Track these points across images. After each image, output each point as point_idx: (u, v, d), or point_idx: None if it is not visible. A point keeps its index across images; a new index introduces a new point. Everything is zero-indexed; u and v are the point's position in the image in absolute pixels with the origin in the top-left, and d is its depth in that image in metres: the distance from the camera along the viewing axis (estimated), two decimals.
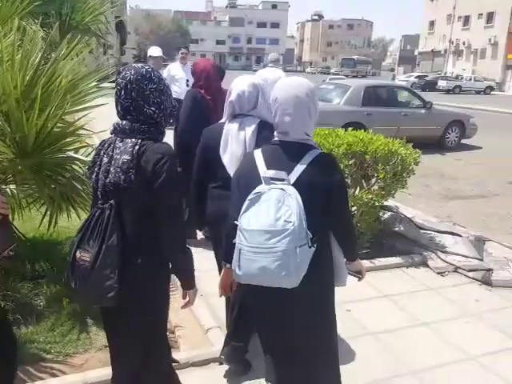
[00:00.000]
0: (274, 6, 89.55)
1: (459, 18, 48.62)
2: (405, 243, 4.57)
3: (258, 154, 1.86)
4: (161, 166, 1.68)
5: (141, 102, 1.73)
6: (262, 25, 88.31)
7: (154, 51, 7.23)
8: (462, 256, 4.25)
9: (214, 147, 2.44)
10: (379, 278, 3.97)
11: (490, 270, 3.97)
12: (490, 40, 43.16)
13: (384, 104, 10.26)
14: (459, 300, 3.62)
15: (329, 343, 1.95)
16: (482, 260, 4.21)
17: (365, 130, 9.51)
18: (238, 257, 1.73)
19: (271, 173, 1.76)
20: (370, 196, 4.19)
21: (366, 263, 4.12)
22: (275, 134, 1.88)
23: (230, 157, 2.38)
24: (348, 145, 4.16)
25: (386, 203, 4.66)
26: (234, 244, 1.77)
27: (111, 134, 1.81)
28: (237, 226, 1.76)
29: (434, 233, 4.74)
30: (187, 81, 7.51)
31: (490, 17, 44.09)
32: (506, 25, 41.72)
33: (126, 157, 1.68)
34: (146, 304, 1.81)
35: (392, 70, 77.46)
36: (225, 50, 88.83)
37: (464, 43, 47.20)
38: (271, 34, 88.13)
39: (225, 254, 1.97)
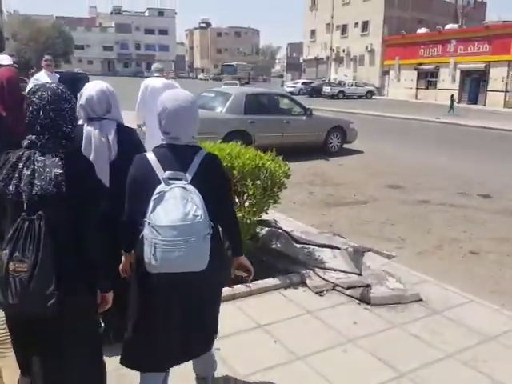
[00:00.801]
0: (161, 13, 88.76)
1: (337, 27, 51.70)
2: (284, 261, 4.28)
3: (152, 158, 2.04)
4: (89, 176, 1.87)
5: (60, 122, 1.83)
6: (149, 31, 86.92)
7: (4, 59, 6.23)
8: (341, 271, 4.05)
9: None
10: (255, 304, 3.62)
11: (368, 285, 3.80)
12: (367, 47, 46.46)
13: (266, 112, 10.18)
14: (337, 324, 3.37)
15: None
16: (360, 274, 4.05)
17: (250, 138, 9.65)
18: (153, 250, 1.88)
19: (170, 173, 1.95)
20: (241, 214, 3.84)
21: (241, 288, 3.76)
22: (164, 138, 2.07)
23: (95, 157, 2.50)
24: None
25: (266, 216, 4.35)
26: (133, 237, 2.08)
27: (27, 148, 1.81)
28: (134, 223, 2.03)
29: (312, 247, 4.52)
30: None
31: (365, 26, 47.50)
32: (379, 33, 45.21)
33: (58, 170, 1.75)
34: (87, 310, 1.93)
35: (281, 76, 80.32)
36: (113, 57, 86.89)
37: (344, 51, 50.26)
38: (160, 40, 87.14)
39: (126, 245, 2.23)
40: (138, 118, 6.99)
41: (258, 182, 3.93)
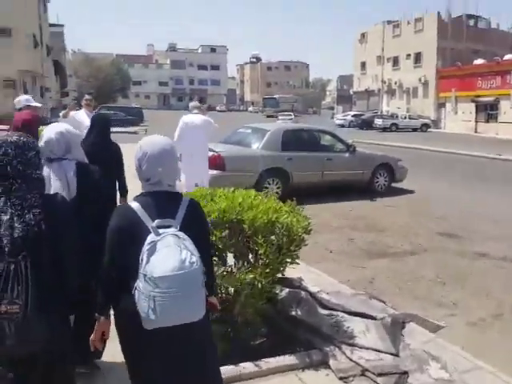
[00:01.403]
0: (213, 50, 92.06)
1: (388, 59, 50.97)
2: (305, 331, 3.63)
3: (137, 206, 1.97)
4: (64, 212, 1.95)
5: (28, 171, 1.87)
6: (202, 67, 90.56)
7: (28, 101, 5.71)
8: (373, 350, 3.34)
9: None
10: None
11: (405, 373, 3.07)
12: (420, 79, 45.28)
13: (305, 148, 9.62)
14: None
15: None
16: (397, 355, 3.32)
17: (287, 176, 9.13)
18: (152, 304, 1.79)
19: (159, 222, 1.90)
20: (253, 275, 3.26)
21: (248, 367, 3.14)
22: (145, 186, 2.05)
23: None
24: (221, 212, 3.26)
25: (293, 269, 3.74)
26: (112, 296, 2.00)
27: (1, 194, 1.82)
28: (118, 278, 1.96)
29: (341, 314, 3.83)
30: None
31: (418, 57, 46.47)
32: (433, 64, 43.99)
33: (36, 210, 1.82)
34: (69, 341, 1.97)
35: (331, 108, 79.98)
36: (168, 91, 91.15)
37: (396, 83, 49.27)
38: (212, 75, 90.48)
39: (102, 307, 2.07)
40: None
41: (273, 237, 3.36)
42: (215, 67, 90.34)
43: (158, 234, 1.86)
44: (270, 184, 8.97)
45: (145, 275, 1.81)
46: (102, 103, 48.01)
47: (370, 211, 8.95)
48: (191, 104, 7.73)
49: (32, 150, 1.89)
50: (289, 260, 3.48)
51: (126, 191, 4.80)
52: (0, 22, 30.34)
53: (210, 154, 8.28)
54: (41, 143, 2.60)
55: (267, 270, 3.32)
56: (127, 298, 1.90)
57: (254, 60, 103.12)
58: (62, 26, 52.89)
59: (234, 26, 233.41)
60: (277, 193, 9.02)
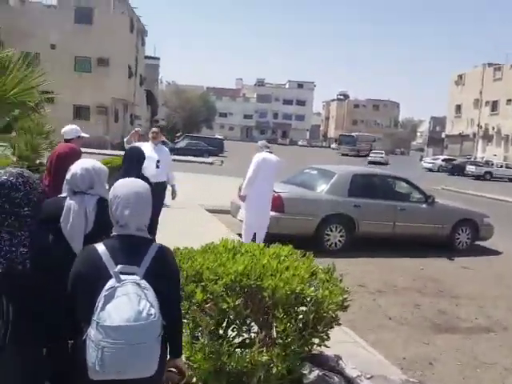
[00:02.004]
0: (300, 85, 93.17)
1: (487, 102, 48.25)
2: None
3: (102, 249, 1.93)
4: (50, 253, 2.01)
5: (16, 209, 1.96)
6: (288, 102, 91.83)
7: (78, 131, 5.38)
8: None
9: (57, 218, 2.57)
10: None
11: None
12: None
13: (376, 195, 8.92)
14: None
15: None
16: None
17: (352, 224, 8.48)
18: (100, 354, 1.72)
19: (121, 267, 1.85)
20: (265, 357, 2.74)
21: None
22: (115, 228, 2.02)
23: (71, 228, 2.59)
24: (238, 275, 2.80)
25: (333, 340, 3.18)
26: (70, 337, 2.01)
27: None
28: (70, 322, 1.93)
29: None
30: (158, 161, 6.85)
31: None
32: None
33: (24, 249, 1.90)
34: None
35: (421, 150, 77.03)
36: (252, 124, 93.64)
37: (493, 128, 46.36)
38: (297, 110, 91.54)
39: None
40: (244, 190, 6.85)
41: (302, 308, 2.85)
42: (301, 102, 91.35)
43: (118, 281, 1.80)
44: (332, 231, 8.38)
45: (97, 323, 1.74)
46: (188, 133, 50.24)
47: (443, 272, 7.98)
48: (262, 142, 7.37)
49: (18, 191, 1.95)
50: (316, 341, 2.91)
51: (154, 233, 4.55)
52: (100, 53, 33.05)
53: None
54: (67, 177, 2.76)
55: (286, 352, 2.79)
56: (79, 343, 1.86)
57: (342, 97, 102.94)
58: (157, 58, 56.77)
59: (322, 63, 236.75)
60: (339, 241, 8.42)
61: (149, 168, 6.75)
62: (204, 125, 63.86)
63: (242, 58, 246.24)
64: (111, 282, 1.80)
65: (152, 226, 7.17)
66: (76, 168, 2.79)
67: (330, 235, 8.37)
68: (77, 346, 1.90)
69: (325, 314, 2.83)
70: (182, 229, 8.79)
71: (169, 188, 7.45)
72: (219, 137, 51.06)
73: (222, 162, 29.20)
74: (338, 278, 3.15)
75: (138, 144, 7.01)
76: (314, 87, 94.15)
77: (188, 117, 59.20)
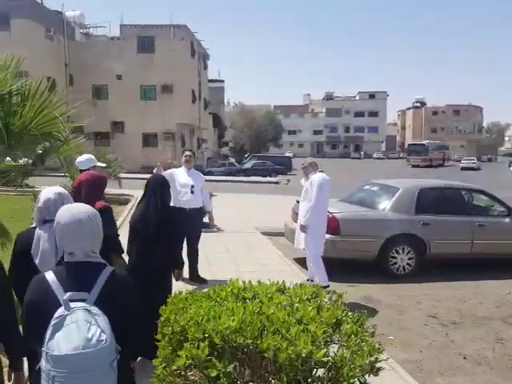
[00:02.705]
0: (372, 96, 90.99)
1: None
2: None
3: (51, 277, 1.94)
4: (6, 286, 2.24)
5: None
6: (359, 114, 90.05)
7: (92, 160, 5.27)
8: None
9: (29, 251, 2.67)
10: None
11: None
12: None
13: (449, 211, 8.05)
14: None
15: None
16: None
17: (422, 245, 7.69)
18: None
19: (70, 295, 1.83)
20: None
21: None
22: (65, 255, 2.03)
23: (41, 259, 2.66)
24: (229, 332, 2.22)
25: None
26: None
27: None
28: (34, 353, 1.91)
29: None
30: (192, 187, 6.69)
31: None
32: None
33: None
34: None
35: (510, 155, 71.96)
36: (322, 140, 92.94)
37: None
38: (369, 122, 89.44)
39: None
40: (308, 219, 6.38)
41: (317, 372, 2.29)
42: (373, 113, 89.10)
43: (68, 309, 1.79)
44: (398, 253, 7.63)
45: (47, 353, 1.75)
46: (255, 153, 50.60)
47: None
48: (311, 160, 6.84)
49: None
50: None
51: (181, 263, 4.28)
52: (164, 80, 34.31)
53: None
54: (39, 204, 2.75)
55: None
56: (34, 372, 1.89)
57: (418, 104, 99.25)
58: (222, 81, 58.11)
59: (394, 71, 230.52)
60: (408, 264, 7.68)
61: (183, 194, 6.67)
62: (272, 144, 64.09)
63: (309, 73, 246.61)
64: (60, 311, 1.80)
65: (192, 253, 6.87)
66: (48, 193, 2.82)
67: (397, 258, 7.63)
68: (33, 375, 1.95)
69: (347, 379, 2.25)
70: (234, 254, 8.50)
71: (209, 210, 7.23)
72: (287, 155, 50.86)
73: (289, 180, 28.79)
74: (370, 329, 2.55)
75: (169, 171, 6.78)
76: (387, 96, 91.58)
77: (255, 136, 59.68)
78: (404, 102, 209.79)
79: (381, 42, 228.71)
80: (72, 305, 1.80)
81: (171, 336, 2.30)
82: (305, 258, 7.02)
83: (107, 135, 35.27)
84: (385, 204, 7.99)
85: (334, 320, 2.44)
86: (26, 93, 4.49)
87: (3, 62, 4.62)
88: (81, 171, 4.88)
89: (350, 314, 2.61)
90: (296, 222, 8.12)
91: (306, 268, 6.95)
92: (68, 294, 1.83)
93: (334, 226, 7.41)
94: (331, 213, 7.51)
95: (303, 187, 6.74)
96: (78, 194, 3.76)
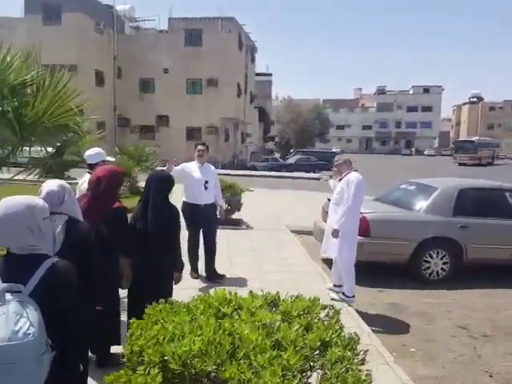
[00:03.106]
0: (426, 90, 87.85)
1: None
2: None
3: None
4: None
5: None
6: (412, 109, 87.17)
7: (100, 155, 5.04)
8: None
9: None
10: None
11: None
12: None
13: (490, 213, 7.53)
14: None
15: None
16: None
17: (459, 249, 7.24)
18: None
19: (5, 286, 1.84)
20: None
21: None
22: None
23: None
24: (190, 357, 1.96)
25: None
26: None
27: None
28: None
29: None
30: (206, 182, 6.46)
31: None
32: None
33: None
34: None
35: None
36: (371, 135, 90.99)
37: None
38: (422, 117, 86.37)
39: None
40: (342, 224, 5.92)
41: None
42: (427, 108, 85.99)
43: (2, 300, 1.81)
44: (432, 258, 7.22)
45: None
46: (300, 148, 50.05)
47: None
48: (347, 157, 6.40)
49: None
50: None
51: (181, 264, 4.15)
52: (210, 74, 34.48)
53: None
54: (41, 196, 2.74)
55: None
56: None
57: (475, 99, 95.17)
58: (269, 75, 57.81)
59: (451, 64, 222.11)
60: (442, 270, 7.26)
61: (197, 190, 6.45)
62: (318, 139, 63.21)
63: (361, 68, 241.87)
64: None
65: (209, 251, 6.67)
66: (50, 185, 2.87)
67: (430, 263, 7.22)
68: None
69: None
70: (259, 253, 8.33)
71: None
72: (334, 150, 49.96)
73: (330, 176, 28.21)
74: (361, 353, 2.26)
75: (181, 165, 6.54)
76: (442, 91, 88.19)
77: (300, 131, 59.00)
78: (459, 98, 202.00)
79: (438, 36, 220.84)
80: (8, 296, 1.81)
81: (130, 356, 2.11)
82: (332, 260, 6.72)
83: (152, 129, 35.87)
84: (421, 204, 7.56)
85: (319, 343, 2.19)
86: (42, 82, 4.49)
87: (20, 53, 4.65)
88: (89, 165, 4.83)
89: (342, 334, 2.37)
90: (326, 221, 7.83)
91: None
92: (3, 285, 1.84)
93: (363, 227, 7.08)
94: (361, 213, 7.21)
95: (334, 187, 6.38)
96: (96, 189, 3.71)
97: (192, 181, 6.45)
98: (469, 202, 7.56)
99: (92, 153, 4.87)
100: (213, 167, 6.85)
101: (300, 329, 2.28)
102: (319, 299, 2.68)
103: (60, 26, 30.60)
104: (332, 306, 2.65)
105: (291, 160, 38.38)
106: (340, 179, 6.20)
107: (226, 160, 34.89)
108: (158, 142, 35.86)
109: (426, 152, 75.80)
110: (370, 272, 7.09)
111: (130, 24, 39.37)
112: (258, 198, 14.54)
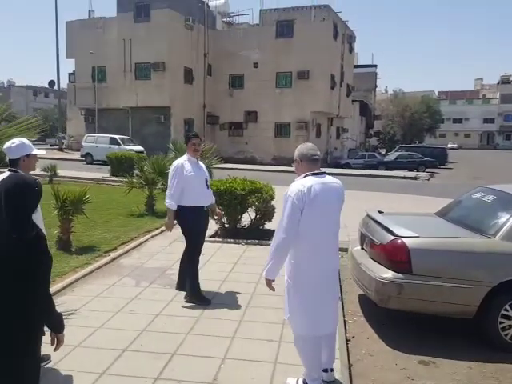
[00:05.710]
0: None
1: None
2: None
3: None
4: None
5: None
6: None
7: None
8: None
9: None
10: None
11: None
12: None
13: None
14: None
15: None
16: None
17: None
18: None
19: None
20: None
21: None
22: None
23: None
24: None
25: None
26: None
27: None
28: None
29: None
30: (206, 180, 5.57)
31: None
32: None
33: None
34: None
35: None
36: (493, 129, 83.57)
37: None
38: None
39: None
40: None
41: None
42: None
43: None
44: None
45: None
46: (407, 143, 46.09)
47: None
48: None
49: None
50: None
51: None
52: (301, 66, 32.34)
53: (388, 238, 4.81)
54: None
55: None
56: None
57: None
58: (373, 66, 53.99)
59: None
60: None
61: (200, 190, 5.42)
62: (428, 134, 57.91)
63: (482, 58, 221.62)
64: None
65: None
66: None
67: None
68: None
69: None
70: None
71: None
72: (451, 146, 45.11)
73: (431, 176, 24.60)
74: None
75: (174, 163, 5.53)
76: None
77: (407, 125, 54.46)
78: None
79: None
80: None
81: None
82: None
83: (240, 125, 34.77)
84: (498, 226, 4.84)
85: None
86: None
87: None
88: (10, 162, 3.49)
89: None
90: (362, 247, 5.66)
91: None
92: None
93: (401, 258, 4.65)
94: (399, 236, 4.76)
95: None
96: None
97: (194, 181, 5.40)
98: None
99: (12, 145, 3.50)
100: (202, 165, 5.76)
101: None
102: None
103: (149, 22, 30.51)
104: None
105: (391, 157, 35.05)
106: None
107: None
108: (246, 139, 34.73)
109: None
110: (408, 329, 4.63)
111: (223, 19, 38.59)
112: None
